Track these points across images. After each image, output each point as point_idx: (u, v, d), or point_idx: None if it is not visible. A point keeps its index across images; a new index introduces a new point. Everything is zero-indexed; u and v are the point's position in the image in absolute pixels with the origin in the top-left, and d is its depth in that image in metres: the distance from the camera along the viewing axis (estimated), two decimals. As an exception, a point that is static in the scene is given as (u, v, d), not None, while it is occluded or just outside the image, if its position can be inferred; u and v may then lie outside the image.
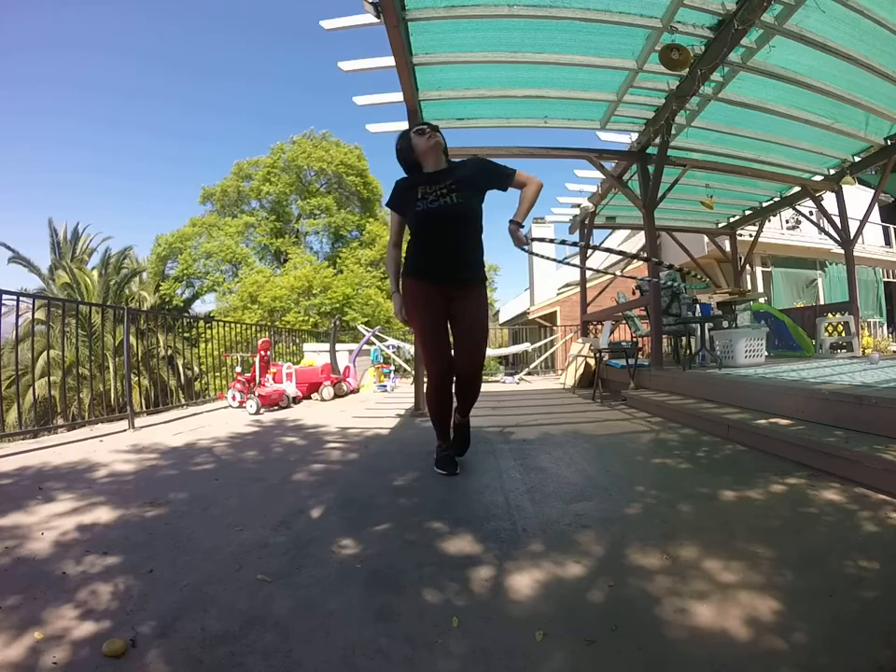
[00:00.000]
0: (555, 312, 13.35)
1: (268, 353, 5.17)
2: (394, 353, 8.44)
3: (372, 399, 5.85)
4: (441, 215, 2.01)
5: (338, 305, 16.59)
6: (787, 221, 10.60)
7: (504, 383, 7.81)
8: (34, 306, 9.12)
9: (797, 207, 6.91)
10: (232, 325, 6.50)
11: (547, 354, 9.26)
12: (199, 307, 20.80)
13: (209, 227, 19.40)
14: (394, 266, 2.21)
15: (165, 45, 53.79)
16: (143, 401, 11.48)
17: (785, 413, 2.57)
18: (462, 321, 2.10)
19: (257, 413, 4.45)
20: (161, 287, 18.78)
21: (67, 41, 47.24)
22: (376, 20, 3.07)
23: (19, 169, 50.45)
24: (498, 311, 23.94)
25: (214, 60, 55.04)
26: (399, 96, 3.96)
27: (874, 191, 5.89)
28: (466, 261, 2.09)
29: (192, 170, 49.07)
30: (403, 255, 2.19)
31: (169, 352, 13.71)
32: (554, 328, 10.69)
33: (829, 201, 5.95)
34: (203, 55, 54.04)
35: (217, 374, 7.01)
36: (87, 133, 52.20)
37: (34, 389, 11.25)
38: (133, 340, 4.65)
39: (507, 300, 23.76)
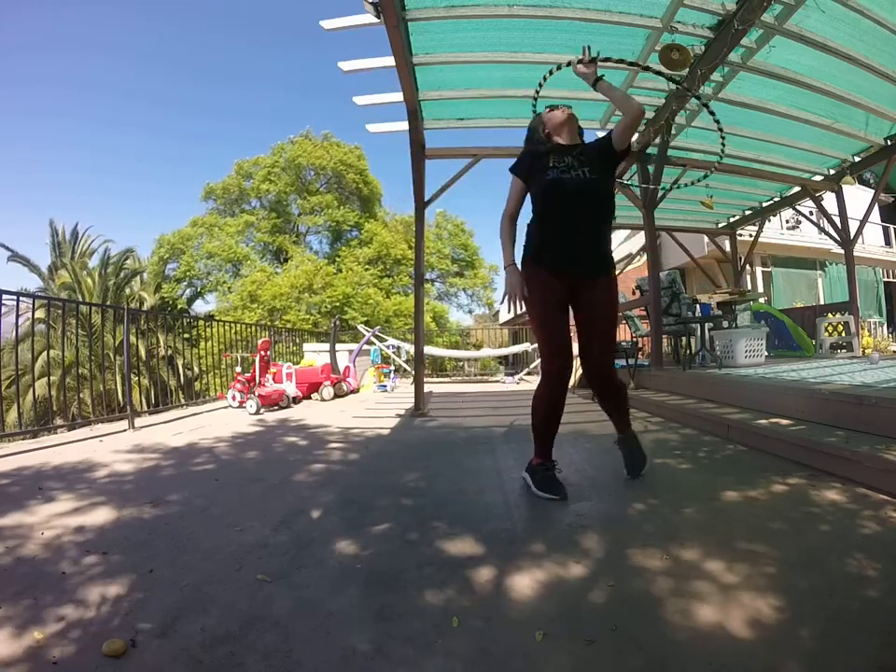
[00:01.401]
0: (555, 312, 13.32)
1: (268, 353, 5.18)
2: (394, 353, 8.44)
3: (372, 399, 5.85)
4: (572, 188, 1.82)
5: (338, 304, 16.59)
6: (787, 221, 10.61)
7: (504, 383, 7.81)
8: (34, 306, 9.11)
9: (797, 207, 6.91)
10: (232, 324, 6.51)
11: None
12: (200, 307, 20.81)
13: (210, 227, 19.40)
14: (509, 239, 1.96)
15: (165, 45, 53.83)
16: (143, 401, 11.47)
17: (785, 413, 2.57)
18: (592, 313, 1.90)
19: (257, 412, 4.45)
20: (162, 288, 18.77)
21: (67, 41, 47.31)
22: (376, 20, 3.06)
23: (18, 169, 50.50)
24: (498, 311, 23.96)
25: (214, 60, 55.09)
26: (399, 96, 3.96)
27: (874, 191, 5.88)
28: (595, 245, 1.88)
29: (193, 170, 49.11)
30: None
31: (169, 352, 13.71)
32: (554, 328, 10.65)
33: (829, 201, 5.95)
34: (202, 56, 54.08)
35: (217, 371, 7.00)
36: (87, 133, 52.25)
37: (33, 389, 11.25)
38: (133, 340, 4.66)
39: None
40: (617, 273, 3.17)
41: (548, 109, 2.07)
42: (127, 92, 52.09)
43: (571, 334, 1.89)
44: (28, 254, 17.36)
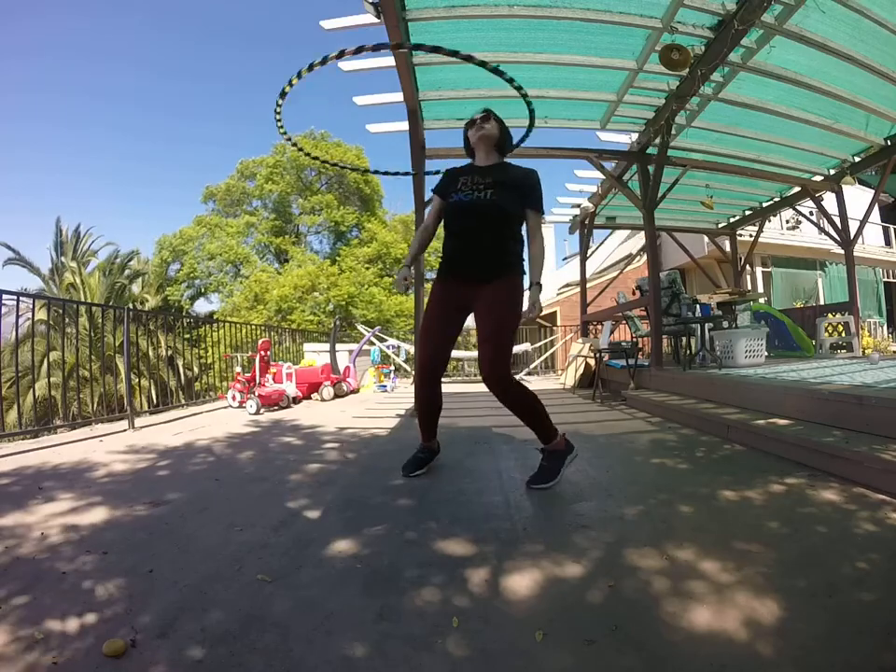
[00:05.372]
0: (555, 312, 13.34)
1: (268, 353, 5.18)
2: (394, 353, 8.44)
3: (372, 399, 5.84)
4: (470, 209, 1.96)
5: (343, 303, 16.61)
6: (787, 221, 10.60)
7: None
8: (34, 306, 9.12)
9: (797, 207, 6.91)
10: (238, 325, 6.54)
11: (547, 354, 9.27)
12: (203, 307, 20.81)
13: (212, 227, 19.42)
14: (415, 246, 2.22)
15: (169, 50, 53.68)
16: (143, 402, 11.47)
17: (785, 414, 2.57)
18: (478, 321, 1.98)
19: (257, 413, 4.45)
20: (165, 291, 18.78)
21: (75, 48, 47.25)
22: (376, 20, 3.07)
23: (18, 172, 50.38)
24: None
25: (214, 63, 54.99)
26: (399, 96, 3.96)
27: (874, 191, 5.89)
28: (487, 261, 1.96)
29: (194, 172, 49.12)
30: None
31: (169, 352, 13.70)
32: (554, 328, 10.69)
33: (829, 201, 5.95)
34: (203, 57, 53.99)
35: (226, 376, 7.03)
36: (86, 135, 52.15)
37: (33, 390, 11.25)
38: (133, 340, 4.65)
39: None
40: (617, 273, 3.18)
41: (469, 122, 2.13)
42: (127, 96, 52.01)
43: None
44: (28, 256, 17.31)
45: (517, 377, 2.08)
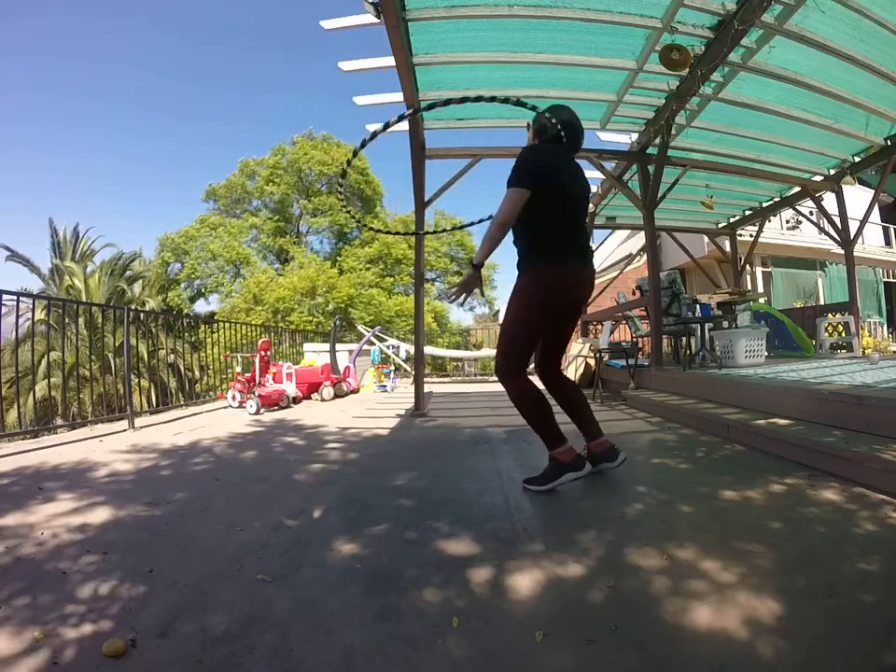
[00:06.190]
0: (555, 312, 13.32)
1: (268, 353, 5.18)
2: (393, 352, 8.45)
3: (372, 399, 5.85)
4: None
5: (342, 305, 16.60)
6: (787, 221, 10.60)
7: (504, 383, 7.81)
8: (34, 306, 9.12)
9: (797, 207, 6.91)
10: (238, 326, 6.54)
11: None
12: (200, 306, 20.79)
13: (215, 226, 19.42)
14: None
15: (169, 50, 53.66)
16: (143, 402, 11.46)
17: (785, 414, 2.57)
18: None
19: (257, 413, 4.45)
20: (168, 294, 18.76)
21: (71, 48, 47.20)
22: (376, 20, 3.07)
23: (18, 171, 50.34)
24: (498, 311, 23.97)
25: (214, 63, 54.99)
26: (399, 96, 3.96)
27: (874, 191, 5.89)
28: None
29: (194, 172, 49.14)
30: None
31: (171, 357, 13.68)
32: (554, 328, 10.66)
33: (829, 201, 5.95)
34: (202, 58, 53.97)
35: (226, 377, 7.03)
36: (88, 136, 52.15)
37: (34, 391, 11.25)
38: (133, 341, 4.66)
39: (507, 299, 23.77)
40: (617, 273, 3.17)
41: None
42: (127, 96, 52.02)
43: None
44: (28, 256, 17.32)
45: None
